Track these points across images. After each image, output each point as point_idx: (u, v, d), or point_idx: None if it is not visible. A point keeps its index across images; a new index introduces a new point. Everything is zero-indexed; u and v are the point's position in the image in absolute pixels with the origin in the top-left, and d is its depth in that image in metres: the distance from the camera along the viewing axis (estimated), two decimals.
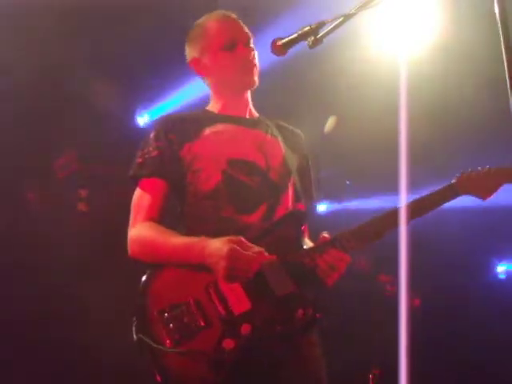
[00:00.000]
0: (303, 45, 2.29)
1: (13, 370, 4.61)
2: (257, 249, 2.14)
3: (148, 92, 5.50)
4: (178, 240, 2.25)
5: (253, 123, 2.53)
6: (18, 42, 4.38)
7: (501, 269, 7.28)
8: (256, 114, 2.59)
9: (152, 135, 2.46)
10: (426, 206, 2.30)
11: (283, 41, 2.35)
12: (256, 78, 2.49)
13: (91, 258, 4.99)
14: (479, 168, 2.37)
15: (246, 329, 2.11)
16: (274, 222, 2.33)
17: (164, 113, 2.59)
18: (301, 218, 2.37)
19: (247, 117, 2.54)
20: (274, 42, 2.27)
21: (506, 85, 1.69)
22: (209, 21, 2.54)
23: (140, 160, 2.41)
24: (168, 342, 2.10)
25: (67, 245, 4.94)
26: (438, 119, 5.47)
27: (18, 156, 4.87)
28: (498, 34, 1.71)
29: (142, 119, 5.61)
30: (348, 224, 2.54)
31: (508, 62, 1.70)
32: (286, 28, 2.34)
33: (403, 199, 2.46)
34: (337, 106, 5.27)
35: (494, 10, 1.74)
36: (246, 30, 2.54)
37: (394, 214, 2.27)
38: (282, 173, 2.45)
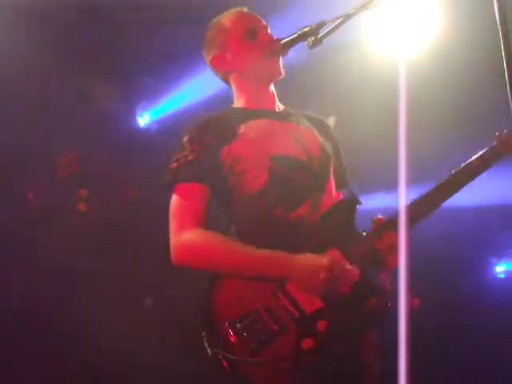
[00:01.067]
0: (303, 45, 2.30)
1: (12, 370, 4.61)
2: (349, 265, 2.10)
3: (148, 92, 5.51)
4: (253, 251, 2.17)
5: (283, 116, 2.45)
6: (18, 41, 4.39)
7: (500, 268, 7.28)
8: (282, 106, 2.53)
9: (186, 139, 2.32)
10: (469, 173, 2.24)
11: (283, 41, 2.35)
12: (282, 67, 2.42)
13: (91, 257, 5.00)
14: None
15: (322, 325, 2.06)
16: (325, 212, 2.27)
17: (195, 117, 2.45)
18: (352, 205, 2.30)
19: (276, 109, 2.48)
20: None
21: (506, 85, 1.70)
22: (224, 17, 2.49)
23: (175, 165, 2.29)
24: (246, 352, 2.04)
25: (67, 245, 4.94)
26: (438, 119, 5.47)
27: (18, 156, 4.87)
28: (498, 34, 1.72)
29: (142, 119, 5.62)
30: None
31: (507, 62, 1.70)
32: (287, 28, 2.35)
33: (403, 199, 2.45)
34: (337, 106, 5.27)
35: (493, 10, 1.75)
36: (262, 19, 2.49)
37: (445, 185, 2.25)
38: (323, 162, 2.39)
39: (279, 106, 2.51)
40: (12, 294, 4.69)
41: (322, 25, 2.23)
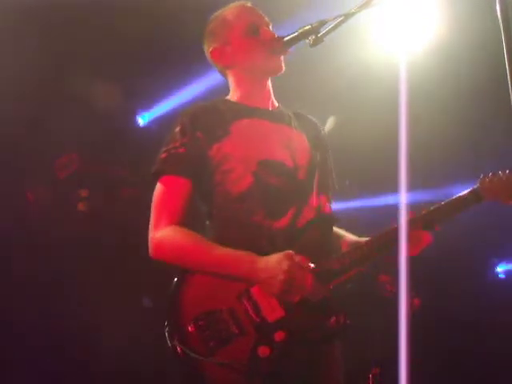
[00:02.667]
0: (304, 44, 2.29)
1: (13, 369, 4.61)
2: (308, 263, 2.14)
3: (148, 92, 5.50)
4: (220, 251, 2.20)
5: (277, 117, 2.45)
6: (19, 42, 4.39)
7: (501, 268, 7.28)
8: (276, 104, 2.53)
9: (177, 130, 2.34)
10: (449, 212, 2.31)
11: (284, 39, 2.35)
12: (283, 64, 2.43)
13: (91, 258, 4.99)
14: (500, 172, 2.35)
15: (280, 336, 2.10)
16: (300, 228, 2.29)
17: (188, 106, 2.48)
18: (328, 223, 2.35)
19: (270, 108, 2.47)
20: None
21: (507, 84, 1.69)
22: (227, 10, 2.50)
23: (164, 155, 2.31)
24: (203, 349, 2.08)
25: (67, 245, 4.94)
26: (438, 119, 5.47)
27: (18, 156, 4.87)
28: (500, 33, 1.71)
29: (142, 119, 5.62)
30: (347, 225, 2.53)
31: (509, 61, 1.70)
32: (288, 27, 2.34)
33: (403, 199, 2.45)
34: (337, 106, 5.27)
35: (495, 9, 1.74)
36: (265, 16, 2.49)
37: (444, 206, 2.31)
38: (309, 170, 2.39)
39: (274, 104, 2.51)
40: (12, 293, 4.69)
41: (322, 23, 2.23)
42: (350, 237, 2.50)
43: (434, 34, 4.72)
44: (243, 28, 2.42)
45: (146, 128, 5.63)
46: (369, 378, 5.00)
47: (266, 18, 2.49)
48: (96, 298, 4.71)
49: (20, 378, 4.61)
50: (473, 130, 5.53)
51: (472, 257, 6.73)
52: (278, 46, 2.37)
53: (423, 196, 4.32)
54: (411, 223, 2.30)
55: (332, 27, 2.22)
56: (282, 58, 2.42)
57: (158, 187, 2.31)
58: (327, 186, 2.49)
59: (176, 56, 4.95)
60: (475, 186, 2.34)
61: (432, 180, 5.52)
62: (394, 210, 2.39)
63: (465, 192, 2.33)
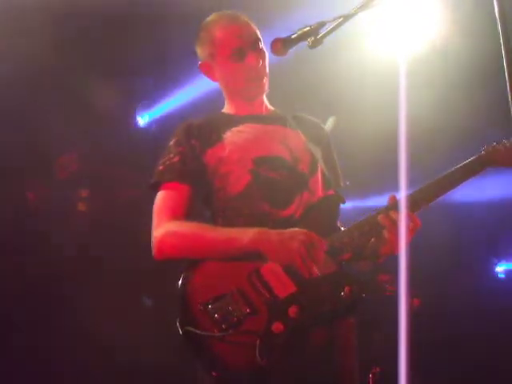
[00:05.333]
0: (303, 45, 2.29)
1: (13, 368, 4.61)
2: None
3: (148, 92, 5.51)
4: (227, 228, 2.24)
5: (270, 119, 2.50)
6: (19, 42, 4.39)
7: (500, 268, 7.27)
8: (271, 108, 2.57)
9: (172, 142, 2.41)
10: (455, 180, 2.24)
11: (283, 41, 2.35)
12: (266, 85, 2.48)
13: (91, 257, 5.00)
14: (504, 140, 2.30)
15: (293, 310, 2.10)
16: (306, 209, 2.32)
17: (184, 121, 2.53)
18: (333, 202, 2.36)
19: (263, 113, 2.52)
20: (274, 42, 2.28)
21: (506, 83, 1.70)
22: (215, 26, 2.48)
23: (161, 167, 2.37)
24: (216, 331, 2.08)
25: (67, 245, 4.94)
26: (438, 119, 5.48)
27: (18, 156, 4.87)
28: (498, 33, 1.72)
29: (142, 119, 5.62)
30: (346, 224, 2.54)
31: (507, 61, 1.71)
32: (286, 28, 2.35)
33: (403, 199, 2.45)
34: (337, 106, 5.27)
35: (493, 10, 1.75)
36: (255, 31, 2.48)
37: (442, 180, 2.25)
38: (309, 162, 2.42)
39: (267, 108, 2.56)
40: (12, 293, 4.69)
41: (321, 25, 2.23)
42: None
43: (433, 35, 4.73)
44: (228, 52, 2.42)
45: (146, 128, 5.64)
46: (369, 377, 5.00)
47: (257, 35, 2.47)
48: (96, 297, 4.71)
49: (19, 378, 4.62)
50: (473, 129, 5.53)
51: (472, 256, 6.74)
52: (262, 72, 2.42)
53: None
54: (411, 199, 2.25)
55: (331, 28, 2.22)
56: (265, 80, 2.46)
57: (157, 195, 2.36)
58: (332, 181, 2.51)
59: (176, 56, 4.96)
60: (479, 154, 2.28)
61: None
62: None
63: (469, 160, 2.26)
